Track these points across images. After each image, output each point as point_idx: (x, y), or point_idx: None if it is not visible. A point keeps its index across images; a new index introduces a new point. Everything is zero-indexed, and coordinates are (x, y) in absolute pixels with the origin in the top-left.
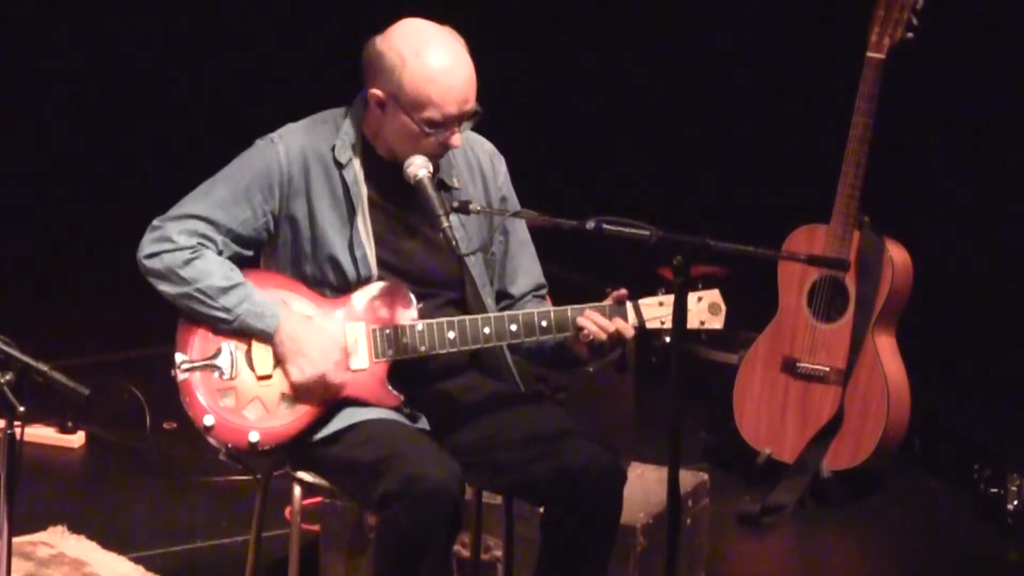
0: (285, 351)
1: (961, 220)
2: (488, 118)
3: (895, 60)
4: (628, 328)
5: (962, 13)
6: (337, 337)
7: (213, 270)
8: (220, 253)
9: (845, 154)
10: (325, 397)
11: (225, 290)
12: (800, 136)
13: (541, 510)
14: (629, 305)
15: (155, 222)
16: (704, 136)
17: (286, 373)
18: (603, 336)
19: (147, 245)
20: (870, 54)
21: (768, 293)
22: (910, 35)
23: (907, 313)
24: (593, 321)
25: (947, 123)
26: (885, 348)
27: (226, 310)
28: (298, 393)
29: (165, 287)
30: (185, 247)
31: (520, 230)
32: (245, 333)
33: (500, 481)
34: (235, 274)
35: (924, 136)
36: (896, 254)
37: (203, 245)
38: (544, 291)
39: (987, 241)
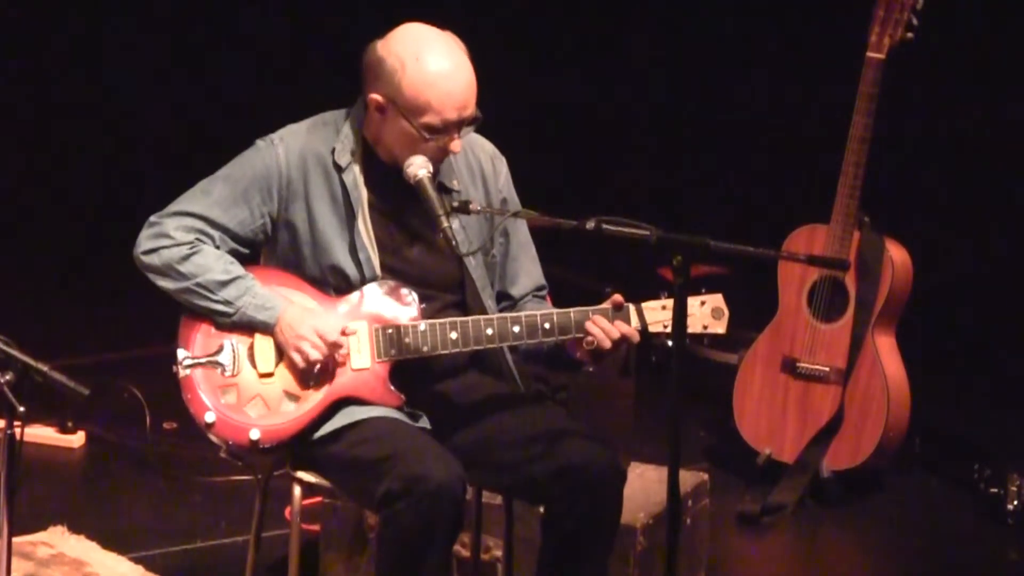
0: (285, 339)
1: (961, 221)
2: (488, 118)
3: (895, 60)
4: (634, 334)
5: (962, 13)
6: (337, 324)
7: (212, 264)
8: (218, 249)
9: (845, 154)
10: (325, 390)
11: (225, 283)
12: (800, 136)
13: (541, 510)
14: (632, 309)
15: (152, 218)
16: (704, 136)
17: (289, 363)
18: (607, 343)
19: (144, 241)
20: (870, 54)
21: (768, 293)
22: (910, 35)
23: (907, 313)
24: (600, 327)
25: (947, 123)
26: (885, 348)
27: (227, 303)
28: (299, 386)
29: (164, 283)
30: (183, 243)
31: (521, 232)
32: (246, 326)
33: (500, 480)
34: (235, 267)
35: (924, 136)
36: (896, 254)
37: (201, 241)
38: (544, 292)
39: (987, 241)
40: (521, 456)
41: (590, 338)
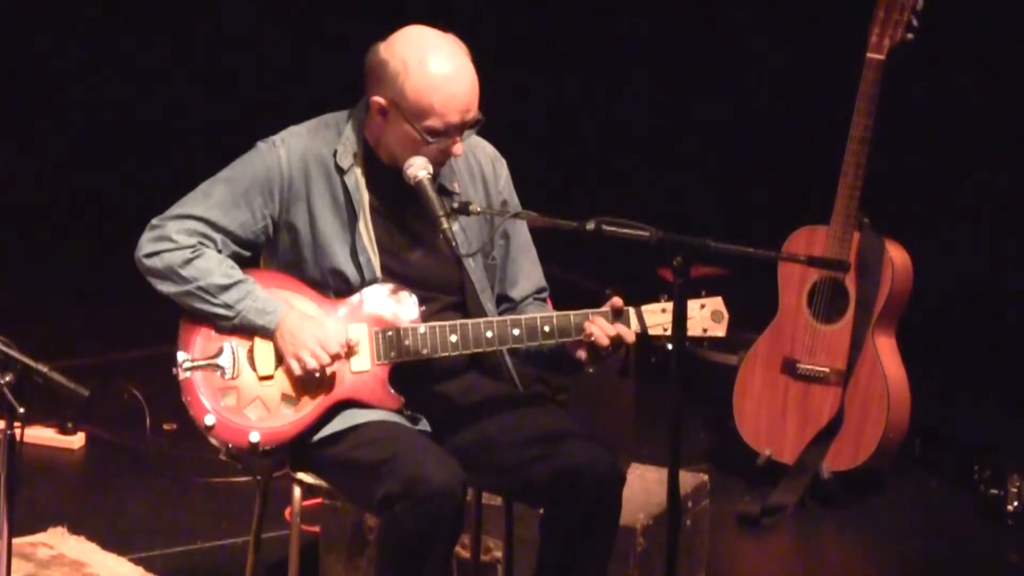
0: (284, 345)
1: (961, 221)
2: (489, 119)
3: (895, 61)
4: (629, 333)
5: (962, 13)
6: (338, 334)
7: (213, 268)
8: (219, 252)
9: (845, 154)
10: (325, 393)
11: (226, 287)
12: (800, 136)
13: (541, 511)
14: (632, 311)
15: (154, 221)
16: (704, 136)
17: (287, 368)
18: (605, 341)
19: (146, 244)
20: (870, 55)
21: (768, 294)
22: (910, 36)
23: (907, 314)
24: (599, 326)
25: (947, 123)
26: (885, 349)
27: (227, 306)
28: (298, 388)
29: (165, 286)
30: (185, 246)
31: (521, 234)
32: (246, 330)
33: (500, 482)
34: (236, 271)
35: (924, 136)
36: (896, 255)
37: (203, 244)
38: (545, 294)
39: (987, 242)
40: (520, 457)
41: (587, 333)
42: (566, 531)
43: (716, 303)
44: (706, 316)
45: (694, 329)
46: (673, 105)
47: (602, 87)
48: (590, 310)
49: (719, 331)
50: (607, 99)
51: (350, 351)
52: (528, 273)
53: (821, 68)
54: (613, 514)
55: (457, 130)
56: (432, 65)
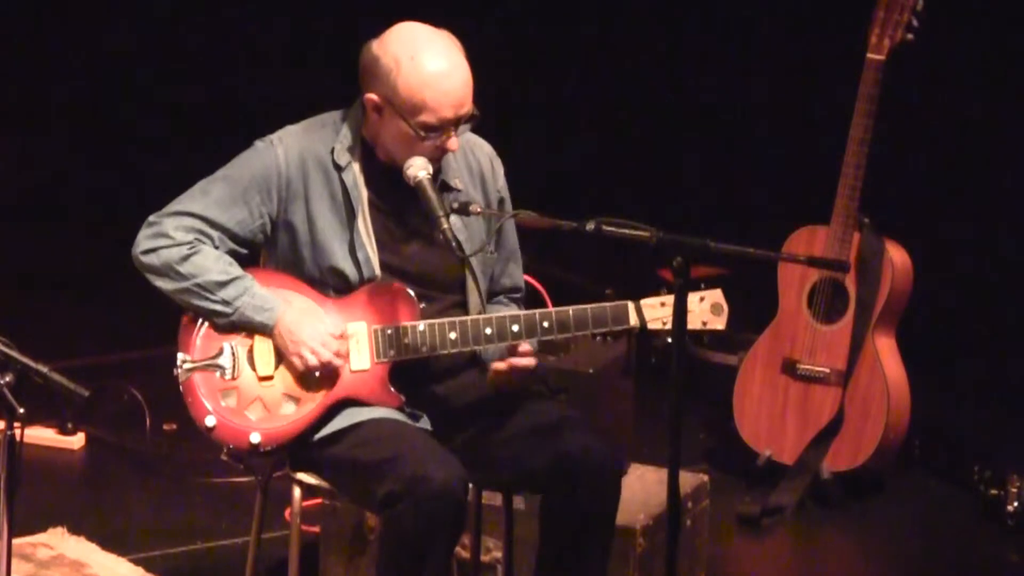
0: (284, 343)
1: (961, 220)
2: (487, 118)
3: (895, 61)
4: (529, 363)
5: (962, 13)
6: (337, 329)
7: (211, 265)
8: (216, 249)
9: (845, 155)
10: (325, 392)
11: (224, 284)
12: (800, 136)
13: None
14: (631, 305)
15: (151, 218)
16: (704, 137)
17: (288, 365)
18: (510, 378)
19: (143, 241)
20: (870, 55)
21: (768, 294)
22: (910, 36)
23: (907, 314)
24: (498, 370)
25: (947, 123)
26: (885, 349)
27: (225, 303)
28: (298, 388)
29: (163, 283)
30: (182, 243)
31: (511, 232)
32: (245, 327)
33: (500, 476)
34: (234, 268)
35: (924, 136)
36: (896, 255)
37: (200, 241)
38: (519, 295)
39: (987, 242)
40: (520, 449)
41: (496, 378)
42: (565, 521)
43: (715, 296)
44: (705, 309)
45: (693, 322)
46: (673, 104)
47: (602, 86)
48: (590, 306)
49: (719, 324)
50: (607, 98)
51: (342, 336)
52: (509, 272)
53: (821, 68)
54: (612, 503)
55: (451, 125)
56: (423, 61)
